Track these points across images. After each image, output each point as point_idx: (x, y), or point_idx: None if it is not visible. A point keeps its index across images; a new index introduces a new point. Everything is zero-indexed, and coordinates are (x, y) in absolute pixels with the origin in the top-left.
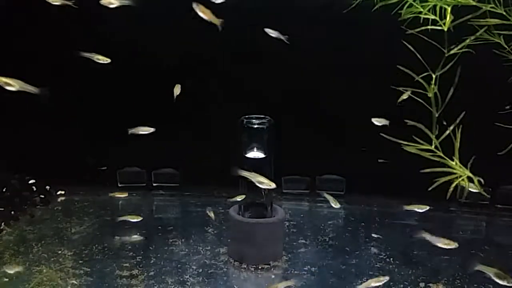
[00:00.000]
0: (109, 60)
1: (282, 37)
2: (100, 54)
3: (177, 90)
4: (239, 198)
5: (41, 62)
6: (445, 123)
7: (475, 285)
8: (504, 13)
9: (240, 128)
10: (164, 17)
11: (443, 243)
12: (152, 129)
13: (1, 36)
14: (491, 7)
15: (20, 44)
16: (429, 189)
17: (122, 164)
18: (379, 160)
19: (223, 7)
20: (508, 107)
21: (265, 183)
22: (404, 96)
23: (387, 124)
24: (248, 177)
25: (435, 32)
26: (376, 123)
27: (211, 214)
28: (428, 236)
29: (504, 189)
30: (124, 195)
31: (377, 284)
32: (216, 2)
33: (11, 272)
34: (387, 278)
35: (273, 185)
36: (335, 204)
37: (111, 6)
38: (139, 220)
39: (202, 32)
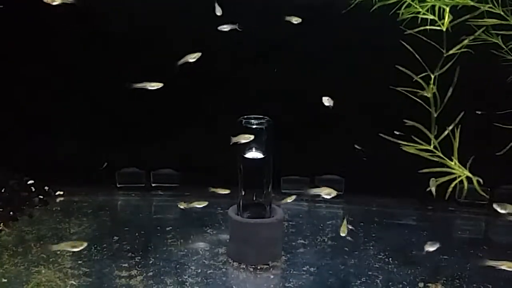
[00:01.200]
0: (161, 84)
1: (235, 26)
2: (102, 54)
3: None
4: (289, 200)
5: (41, 62)
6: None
7: (474, 285)
8: (502, 13)
9: (239, 128)
10: (163, 17)
11: (507, 266)
12: (251, 137)
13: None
14: (489, 7)
15: (20, 44)
16: (427, 189)
17: (121, 165)
18: (356, 146)
19: (223, 8)
20: (479, 112)
21: (332, 193)
22: (426, 94)
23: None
24: (319, 193)
25: (433, 33)
26: (326, 103)
27: (183, 206)
28: (491, 262)
29: (503, 188)
30: (226, 191)
31: (432, 248)
32: (218, 14)
33: None
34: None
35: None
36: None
37: (54, 3)
38: (228, 192)
39: (202, 32)
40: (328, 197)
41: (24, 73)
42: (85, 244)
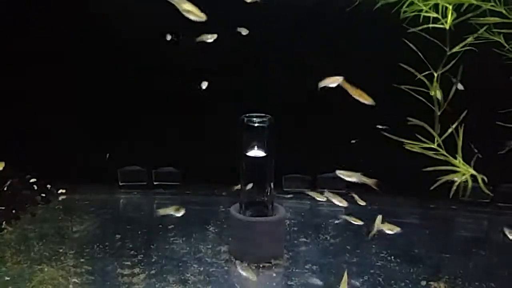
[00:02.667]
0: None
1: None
2: (104, 53)
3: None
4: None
5: (42, 62)
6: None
7: (476, 283)
8: (504, 11)
9: (241, 127)
10: (164, 17)
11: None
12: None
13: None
14: (491, 6)
15: (21, 43)
16: (432, 188)
17: (123, 163)
18: (352, 141)
19: (225, 6)
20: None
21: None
22: (458, 86)
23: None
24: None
25: (435, 31)
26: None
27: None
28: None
29: (505, 187)
30: (323, 198)
31: (389, 231)
32: (243, 33)
33: None
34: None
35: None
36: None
37: None
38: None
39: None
40: (391, 232)
41: (26, 73)
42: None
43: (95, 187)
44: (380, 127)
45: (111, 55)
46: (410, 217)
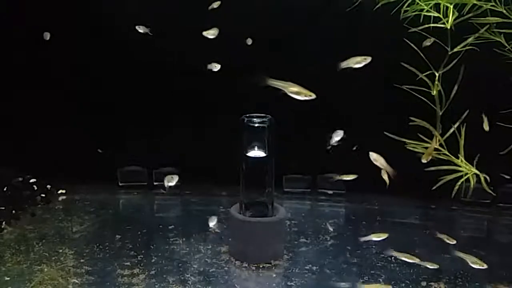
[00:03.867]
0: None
1: (147, 31)
2: (105, 51)
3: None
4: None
5: (42, 63)
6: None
7: (476, 284)
8: (505, 11)
9: (241, 127)
10: (164, 17)
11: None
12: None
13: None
14: (491, 6)
15: (20, 43)
16: (434, 188)
17: (122, 163)
18: (353, 148)
19: (226, 8)
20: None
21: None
22: (486, 127)
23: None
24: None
25: (435, 31)
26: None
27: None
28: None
29: (506, 187)
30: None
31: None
32: (248, 43)
33: None
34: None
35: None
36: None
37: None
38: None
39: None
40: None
41: (25, 72)
42: None
43: (95, 187)
44: (329, 147)
45: (111, 54)
46: (411, 217)
